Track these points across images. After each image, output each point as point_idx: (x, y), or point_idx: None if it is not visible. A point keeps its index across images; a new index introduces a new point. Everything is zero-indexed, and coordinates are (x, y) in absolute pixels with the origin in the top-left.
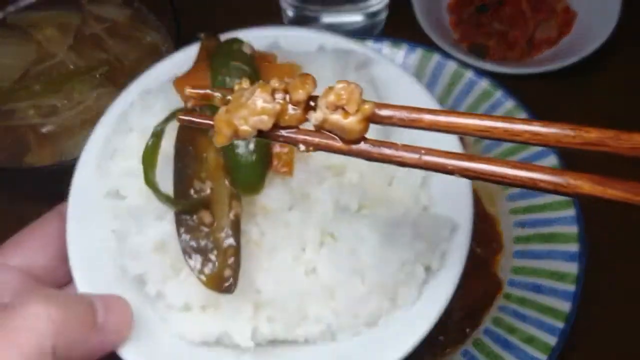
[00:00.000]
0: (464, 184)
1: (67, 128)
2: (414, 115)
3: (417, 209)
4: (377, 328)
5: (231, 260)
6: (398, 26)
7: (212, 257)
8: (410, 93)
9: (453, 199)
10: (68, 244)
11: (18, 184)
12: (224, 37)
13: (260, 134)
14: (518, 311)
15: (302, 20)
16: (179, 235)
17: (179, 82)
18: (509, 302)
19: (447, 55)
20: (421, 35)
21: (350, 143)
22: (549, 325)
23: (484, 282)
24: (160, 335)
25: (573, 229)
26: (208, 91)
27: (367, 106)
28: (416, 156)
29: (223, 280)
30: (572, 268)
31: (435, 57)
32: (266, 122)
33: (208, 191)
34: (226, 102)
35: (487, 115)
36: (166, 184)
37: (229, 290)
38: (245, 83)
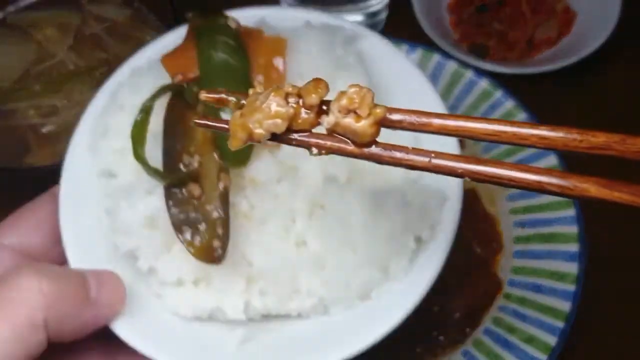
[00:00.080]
0: (452, 143)
1: (67, 128)
2: (424, 119)
3: (406, 180)
4: (370, 301)
5: (220, 230)
6: (398, 26)
7: (201, 228)
8: (399, 68)
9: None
10: (60, 222)
11: (18, 184)
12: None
13: (274, 137)
14: (518, 311)
15: None
16: (169, 208)
17: (167, 60)
18: (509, 302)
19: (447, 55)
20: (421, 35)
21: (362, 146)
22: (549, 325)
23: (484, 282)
24: (153, 311)
25: (573, 229)
26: (223, 95)
27: (378, 110)
28: (426, 159)
29: (212, 251)
30: (572, 268)
31: (435, 57)
32: (280, 125)
33: (197, 165)
34: (240, 106)
35: (496, 120)
36: (156, 161)
37: (218, 260)
38: (260, 88)
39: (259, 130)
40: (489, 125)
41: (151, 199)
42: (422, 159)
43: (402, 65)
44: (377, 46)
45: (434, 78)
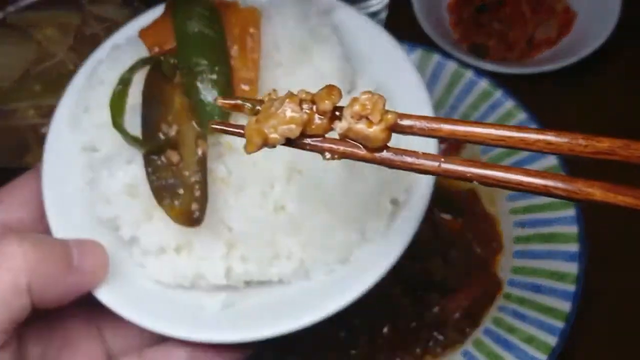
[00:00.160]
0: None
1: None
2: (434, 125)
3: None
4: (349, 264)
5: (197, 193)
6: (398, 26)
7: (180, 193)
8: (374, 39)
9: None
10: (44, 194)
11: None
12: None
13: (288, 142)
14: (518, 311)
15: None
16: (148, 175)
17: (144, 33)
18: (509, 302)
19: (447, 55)
20: (421, 35)
21: (373, 151)
22: (549, 325)
23: (484, 282)
24: (136, 279)
25: (573, 229)
26: (239, 102)
27: (390, 116)
28: (436, 164)
29: (190, 214)
30: (572, 268)
31: (435, 57)
32: (294, 130)
33: (175, 133)
34: (255, 112)
35: (503, 125)
36: (135, 132)
37: (197, 222)
38: (275, 94)
39: (274, 135)
40: (497, 131)
41: (131, 167)
42: (432, 164)
43: (377, 36)
44: (352, 18)
45: (434, 78)
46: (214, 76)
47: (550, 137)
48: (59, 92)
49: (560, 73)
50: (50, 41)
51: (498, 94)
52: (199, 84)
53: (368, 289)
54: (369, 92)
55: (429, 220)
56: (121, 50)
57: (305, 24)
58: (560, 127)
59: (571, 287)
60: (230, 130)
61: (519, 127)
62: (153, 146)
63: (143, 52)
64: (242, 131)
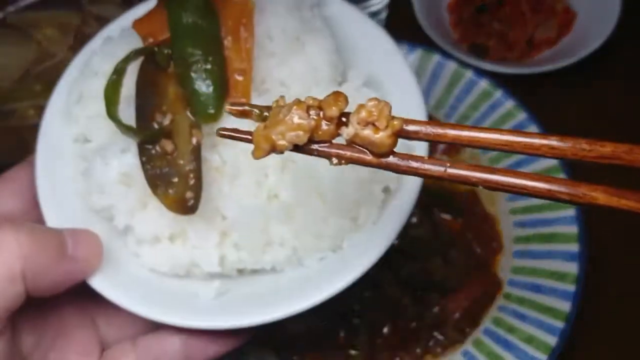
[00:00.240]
0: (418, 107)
1: None
2: (439, 130)
3: None
4: (341, 251)
5: (192, 182)
6: (398, 26)
7: (175, 181)
8: (365, 31)
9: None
10: (37, 186)
11: None
12: None
13: (296, 147)
14: (518, 311)
15: None
16: (143, 164)
17: (138, 24)
18: (509, 302)
19: (447, 55)
20: (421, 35)
21: (380, 157)
22: (549, 325)
23: (484, 282)
24: (131, 268)
25: (573, 229)
26: (246, 108)
27: (396, 122)
28: (442, 169)
29: (185, 202)
30: (572, 268)
31: (435, 57)
32: (301, 137)
33: (169, 122)
34: (263, 119)
35: (507, 130)
36: (129, 123)
37: (191, 210)
38: (282, 101)
39: (281, 142)
40: (502, 136)
41: (125, 157)
42: (437, 169)
43: (368, 29)
44: (344, 10)
45: (434, 78)
46: (208, 66)
47: (554, 142)
48: None
49: (560, 73)
50: (50, 41)
51: (498, 94)
52: (192, 74)
53: (360, 276)
54: (376, 98)
55: (429, 220)
56: (114, 42)
57: (297, 16)
58: (560, 127)
59: (571, 287)
60: (239, 137)
61: (523, 132)
62: (147, 135)
63: (137, 43)
64: (250, 137)
